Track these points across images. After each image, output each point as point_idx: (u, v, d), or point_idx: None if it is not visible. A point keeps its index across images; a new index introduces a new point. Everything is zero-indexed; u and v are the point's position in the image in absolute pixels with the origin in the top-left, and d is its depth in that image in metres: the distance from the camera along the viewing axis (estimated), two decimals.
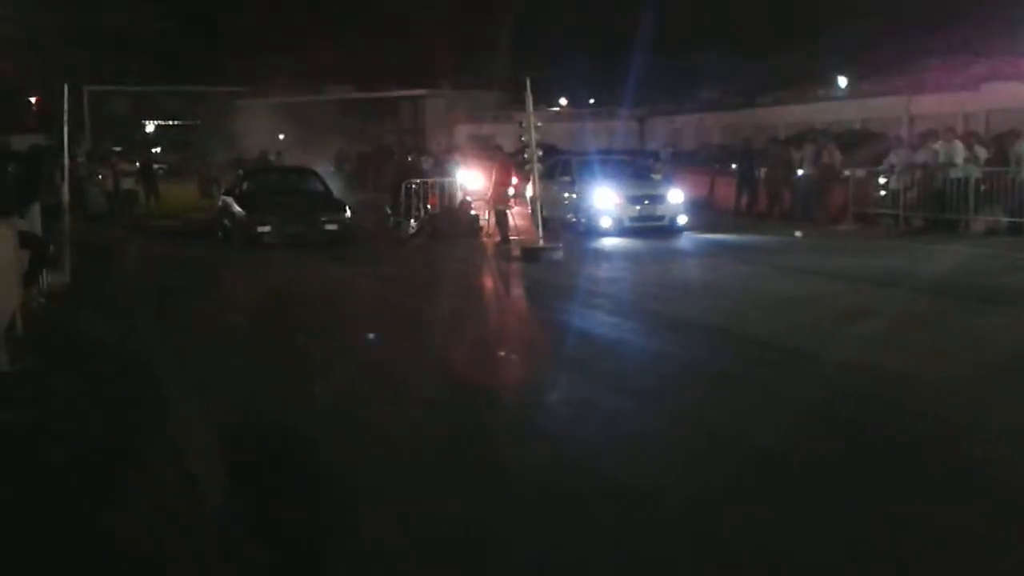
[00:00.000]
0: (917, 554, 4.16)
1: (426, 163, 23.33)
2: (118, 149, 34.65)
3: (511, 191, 18.63)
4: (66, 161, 13.85)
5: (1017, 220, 15.95)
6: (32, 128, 38.94)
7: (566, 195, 19.11)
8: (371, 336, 9.13)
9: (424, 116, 72.35)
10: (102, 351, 8.49)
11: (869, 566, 4.08)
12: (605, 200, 17.93)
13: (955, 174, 16.80)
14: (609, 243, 16.70)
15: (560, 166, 20.54)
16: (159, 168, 35.37)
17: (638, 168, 21.17)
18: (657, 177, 20.66)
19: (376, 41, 59.40)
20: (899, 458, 5.37)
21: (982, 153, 17.26)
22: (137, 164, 27.17)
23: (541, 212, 15.95)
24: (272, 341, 8.95)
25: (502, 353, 8.60)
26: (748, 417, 6.17)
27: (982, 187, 16.78)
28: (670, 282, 12.42)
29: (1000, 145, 17.15)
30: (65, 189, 13.50)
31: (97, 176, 23.33)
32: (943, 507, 4.60)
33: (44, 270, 10.94)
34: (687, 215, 18.32)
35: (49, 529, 4.55)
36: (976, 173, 16.71)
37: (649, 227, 17.64)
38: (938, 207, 17.10)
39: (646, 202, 18.03)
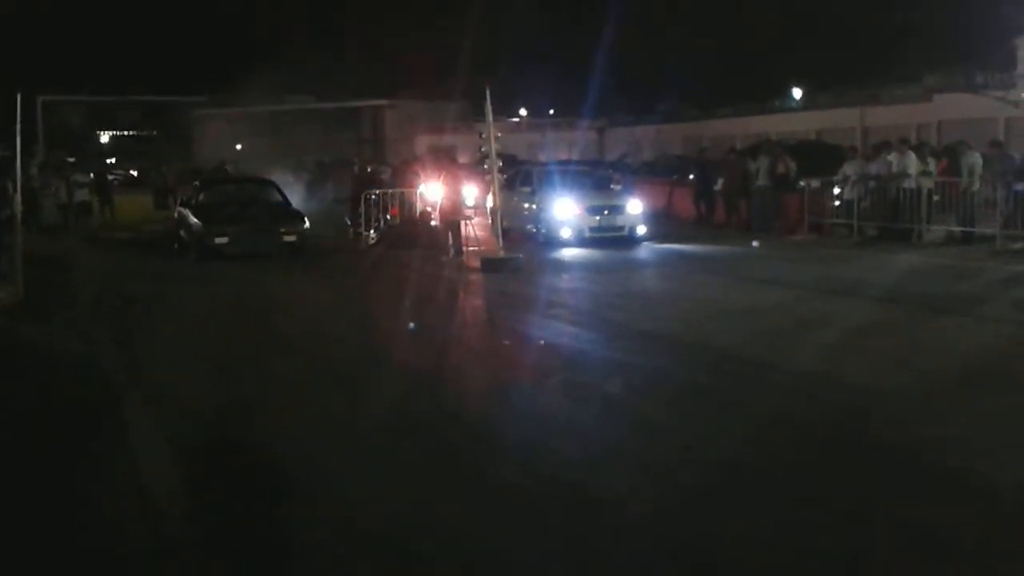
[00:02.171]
0: (886, 557, 4.22)
1: (385, 173, 23.26)
2: (72, 160, 34.18)
3: (471, 201, 18.64)
4: (18, 172, 13.62)
5: (968, 229, 16.26)
6: None
7: (527, 205, 19.17)
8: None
9: (384, 126, 72.17)
10: (54, 364, 8.37)
11: (841, 572, 4.12)
12: (565, 211, 18.00)
13: (908, 184, 17.09)
14: (569, 253, 16.76)
15: (521, 176, 20.61)
16: (114, 179, 34.94)
17: (598, 179, 21.28)
18: (616, 188, 20.79)
19: (337, 51, 59.25)
20: (861, 464, 5.43)
21: (933, 164, 17.58)
22: (91, 175, 26.79)
23: (501, 223, 15.97)
24: (229, 352, 8.86)
25: (462, 363, 8.58)
26: (710, 426, 6.22)
27: (934, 197, 17.09)
28: (630, 292, 12.48)
29: (952, 156, 17.48)
30: (18, 201, 13.28)
31: (50, 188, 22.96)
32: (907, 511, 4.66)
33: None
34: (646, 225, 18.45)
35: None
36: (928, 184, 17.01)
37: (609, 237, 17.74)
38: (891, 217, 17.38)
39: (606, 212, 18.15)
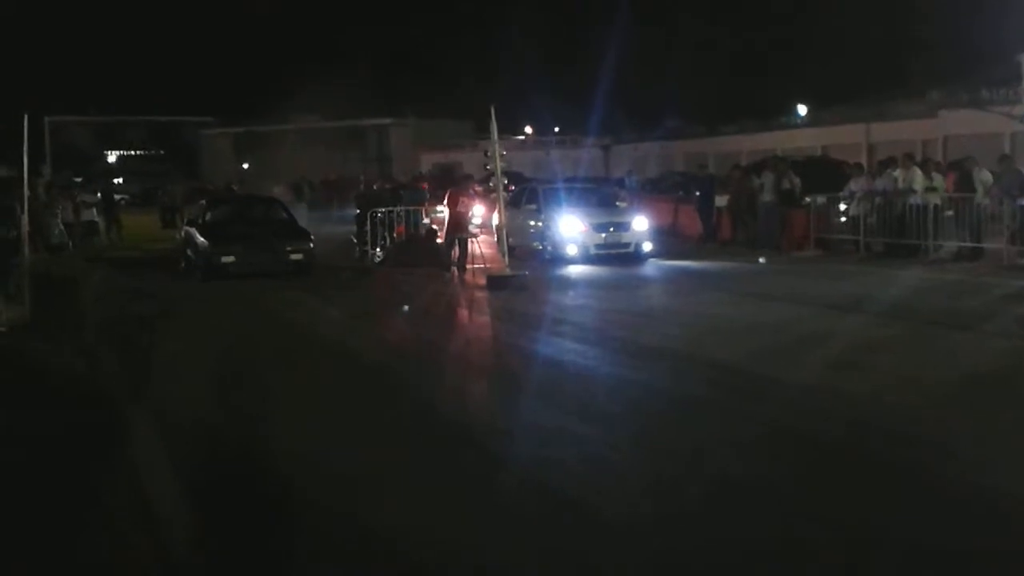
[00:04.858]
0: (888, 572, 4.19)
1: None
2: (79, 180, 34.31)
3: (477, 220, 18.65)
4: (26, 192, 13.68)
5: (976, 245, 16.21)
6: None
7: (532, 223, 19.16)
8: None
9: (390, 144, 72.44)
10: (62, 383, 8.37)
11: None
12: (571, 228, 17.98)
13: (914, 200, 17.05)
14: (575, 271, 16.74)
15: (526, 194, 20.62)
16: (121, 199, 35.07)
17: (603, 196, 21.26)
18: (622, 205, 20.77)
19: (343, 71, 59.54)
20: (865, 479, 5.40)
21: (939, 180, 17.54)
22: (98, 195, 26.91)
23: (507, 240, 15.96)
24: (234, 370, 8.85)
25: (468, 380, 8.57)
26: (715, 441, 6.19)
27: (942, 213, 17.05)
28: (635, 309, 12.45)
29: (962, 171, 17.45)
30: (25, 221, 13.32)
31: (57, 207, 23.04)
32: (910, 526, 4.62)
33: (1, 303, 10.78)
34: (652, 242, 18.42)
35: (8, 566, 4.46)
36: (935, 199, 16.97)
37: (615, 254, 17.70)
38: (898, 233, 17.34)
39: (611, 229, 18.10)
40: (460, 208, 16.95)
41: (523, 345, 10.20)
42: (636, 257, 17.86)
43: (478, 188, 18.01)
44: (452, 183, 20.83)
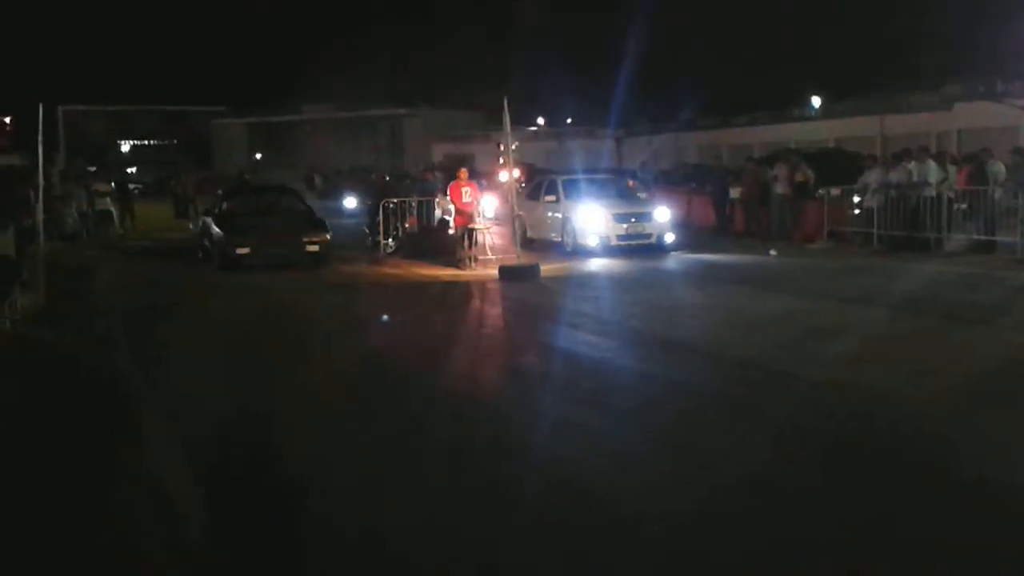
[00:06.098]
0: (904, 571, 4.18)
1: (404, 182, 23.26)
2: (93, 169, 34.41)
3: (489, 211, 18.58)
4: (40, 182, 13.75)
5: (990, 238, 16.12)
6: (5, 149, 38.69)
7: (551, 215, 19.00)
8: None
9: (402, 135, 72.38)
10: (72, 375, 8.39)
11: None
12: (592, 219, 17.76)
13: (928, 193, 16.96)
14: (595, 262, 16.59)
15: (546, 185, 20.46)
16: (134, 188, 35.16)
17: (624, 186, 21.08)
18: (643, 196, 20.59)
19: (356, 61, 59.54)
20: (881, 477, 5.39)
21: (953, 172, 17.44)
22: (112, 184, 26.99)
23: (524, 232, 15.84)
24: (248, 361, 8.86)
25: (483, 372, 8.58)
26: (730, 436, 6.18)
27: (956, 206, 16.95)
28: (651, 301, 12.40)
29: (978, 164, 17.36)
30: (39, 210, 13.40)
31: (71, 196, 23.12)
32: (928, 525, 4.61)
33: (16, 291, 10.83)
34: (674, 233, 18.15)
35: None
36: (949, 192, 16.88)
37: (636, 245, 17.49)
38: (912, 225, 17.25)
39: (633, 220, 17.87)
40: (465, 199, 16.89)
41: (531, 336, 10.20)
42: (658, 248, 17.60)
43: (463, 174, 17.73)
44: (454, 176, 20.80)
